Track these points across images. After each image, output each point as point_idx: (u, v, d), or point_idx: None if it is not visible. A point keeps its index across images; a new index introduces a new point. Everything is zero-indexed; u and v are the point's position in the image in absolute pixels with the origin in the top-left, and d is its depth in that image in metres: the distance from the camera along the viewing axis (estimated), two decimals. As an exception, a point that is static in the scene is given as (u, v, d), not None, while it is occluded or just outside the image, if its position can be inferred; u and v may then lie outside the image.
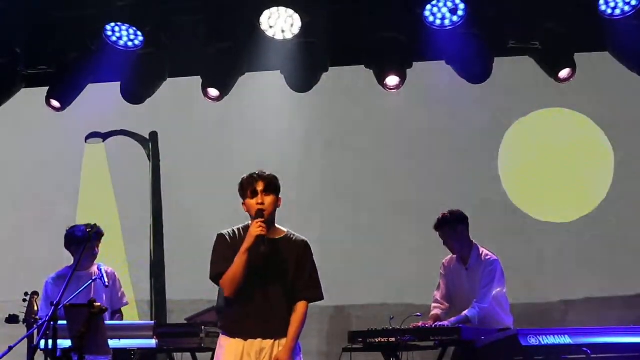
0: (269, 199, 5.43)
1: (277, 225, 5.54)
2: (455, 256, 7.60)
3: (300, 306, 5.44)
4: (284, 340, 5.37)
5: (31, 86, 9.00)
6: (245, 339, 5.36)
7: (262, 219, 5.34)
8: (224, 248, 5.44)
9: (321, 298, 5.55)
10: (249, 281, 5.34)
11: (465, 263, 7.45)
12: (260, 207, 5.38)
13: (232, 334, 5.41)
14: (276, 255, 5.42)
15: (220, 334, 5.51)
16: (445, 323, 7.09)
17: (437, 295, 7.59)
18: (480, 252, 7.44)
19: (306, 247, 5.55)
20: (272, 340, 5.36)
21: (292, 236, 5.55)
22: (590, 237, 9.94)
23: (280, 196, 5.50)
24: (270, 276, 5.39)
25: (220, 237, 5.50)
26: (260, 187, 5.42)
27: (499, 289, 7.33)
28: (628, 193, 9.91)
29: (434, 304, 7.57)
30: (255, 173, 5.50)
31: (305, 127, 10.64)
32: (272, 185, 5.45)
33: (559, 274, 10.00)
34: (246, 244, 5.30)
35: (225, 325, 5.52)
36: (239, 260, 5.31)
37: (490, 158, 10.28)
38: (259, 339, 5.36)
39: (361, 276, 10.31)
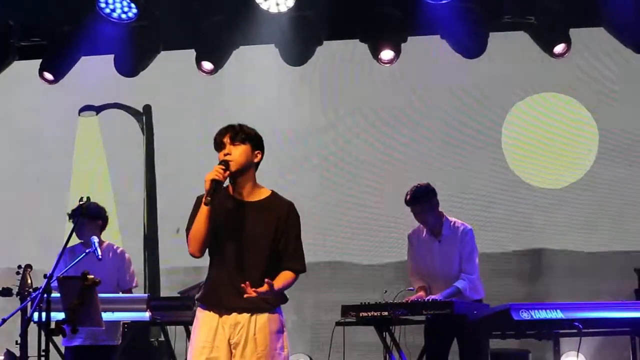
0: (237, 150, 4.87)
1: (259, 184, 5.01)
2: (421, 228, 7.40)
3: (289, 273, 4.92)
4: (261, 316, 4.86)
5: (24, 58, 8.97)
6: (220, 314, 4.87)
7: (224, 166, 4.81)
8: (196, 208, 4.89)
9: (304, 270, 5.00)
10: (224, 248, 4.87)
11: (437, 235, 7.28)
12: (226, 157, 4.85)
13: (207, 306, 4.91)
14: (255, 220, 4.88)
15: (198, 306, 5.00)
16: (438, 297, 7.04)
17: (412, 268, 7.44)
18: (452, 222, 7.29)
19: (291, 210, 4.99)
20: (249, 315, 4.84)
21: (275, 198, 4.99)
22: (577, 201, 10.07)
23: (258, 151, 4.94)
24: (247, 242, 4.85)
25: (197, 199, 4.94)
26: (226, 138, 4.90)
27: (477, 259, 7.28)
28: (610, 164, 10.10)
29: (413, 278, 7.41)
30: (227, 125, 4.98)
31: (299, 100, 10.61)
32: (241, 135, 4.90)
33: (550, 234, 10.14)
34: (205, 193, 4.76)
35: (200, 296, 4.98)
36: (200, 211, 4.78)
37: (486, 130, 10.32)
38: (234, 314, 4.85)
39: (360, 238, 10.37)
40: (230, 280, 4.85)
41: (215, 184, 4.78)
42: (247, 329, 4.85)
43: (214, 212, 4.84)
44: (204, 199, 4.79)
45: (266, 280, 4.75)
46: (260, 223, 4.91)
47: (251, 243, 4.88)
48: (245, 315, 4.86)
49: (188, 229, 4.90)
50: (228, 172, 4.84)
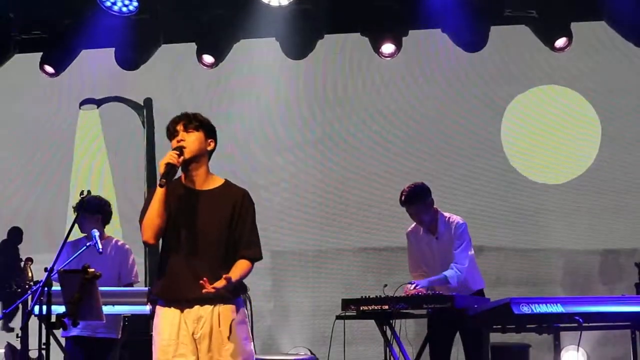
0: (190, 137, 4.85)
1: (212, 173, 4.96)
2: (418, 225, 7.38)
3: (244, 262, 4.84)
4: (223, 307, 4.79)
5: (25, 52, 8.97)
6: (182, 309, 4.80)
7: (178, 152, 4.78)
8: (150, 198, 4.85)
9: (260, 257, 4.93)
10: (179, 237, 4.80)
11: (434, 233, 7.27)
12: (179, 144, 4.83)
13: (166, 302, 4.84)
14: (209, 208, 4.84)
15: (157, 303, 4.91)
16: (423, 282, 6.99)
17: (412, 265, 7.42)
18: (446, 218, 7.27)
19: (245, 197, 4.91)
20: (211, 307, 4.79)
21: (229, 186, 4.94)
22: (579, 196, 10.05)
23: (211, 139, 4.92)
24: (203, 231, 4.79)
25: (149, 191, 4.91)
26: (179, 126, 4.88)
27: (471, 252, 7.26)
28: (611, 159, 10.07)
29: (414, 274, 7.36)
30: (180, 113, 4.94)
31: (299, 93, 10.60)
32: (194, 122, 4.88)
33: (550, 229, 10.11)
34: (158, 191, 4.73)
35: (157, 291, 4.90)
36: (155, 195, 4.74)
37: (487, 124, 10.29)
38: (196, 307, 4.78)
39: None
40: (188, 270, 4.78)
41: (170, 167, 4.75)
42: (210, 322, 4.80)
43: (167, 201, 4.79)
44: (158, 181, 4.74)
45: (224, 276, 4.67)
46: (215, 211, 4.85)
47: (206, 232, 4.82)
48: (208, 308, 4.80)
49: (142, 218, 4.85)
50: (182, 158, 4.80)
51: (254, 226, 4.93)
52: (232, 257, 4.87)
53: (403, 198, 7.24)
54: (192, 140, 4.85)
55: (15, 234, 9.89)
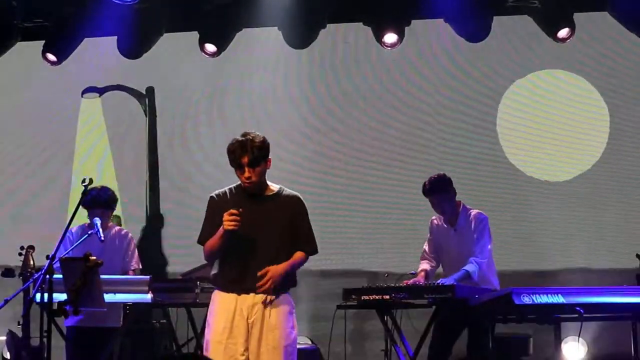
0: (256, 172, 5.40)
1: (268, 182, 5.54)
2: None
3: (299, 253, 5.50)
4: (274, 297, 5.42)
5: (27, 40, 8.97)
6: (239, 294, 5.38)
7: (237, 215, 5.26)
8: (212, 212, 5.48)
9: (315, 251, 5.60)
10: (241, 239, 5.35)
11: (453, 224, 7.32)
12: (247, 182, 5.39)
13: (225, 290, 5.45)
14: (268, 213, 5.45)
15: (215, 290, 5.54)
16: (449, 280, 7.02)
17: (426, 249, 7.48)
18: (469, 211, 7.33)
19: (299, 202, 5.57)
20: (264, 296, 5.38)
21: (283, 192, 5.56)
22: (583, 195, 9.97)
23: (270, 157, 5.46)
24: (262, 234, 5.40)
25: (210, 199, 5.54)
26: (245, 160, 5.37)
27: (490, 246, 7.28)
28: (622, 153, 9.94)
29: (423, 258, 7.46)
30: (240, 142, 5.39)
31: (301, 83, 10.58)
32: (258, 158, 5.39)
33: (553, 229, 10.03)
34: (220, 233, 5.31)
35: (218, 281, 5.52)
36: (217, 240, 5.36)
37: (488, 116, 10.23)
38: (252, 294, 5.38)
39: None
40: (249, 269, 5.37)
41: (230, 233, 5.30)
42: (262, 310, 5.37)
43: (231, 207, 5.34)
44: (223, 228, 5.27)
45: (268, 269, 5.35)
46: (274, 215, 5.46)
47: (266, 233, 5.41)
48: (261, 297, 5.38)
49: (202, 239, 5.46)
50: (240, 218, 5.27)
51: (310, 225, 5.59)
52: (288, 255, 5.49)
53: (426, 188, 7.34)
54: (257, 173, 5.42)
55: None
